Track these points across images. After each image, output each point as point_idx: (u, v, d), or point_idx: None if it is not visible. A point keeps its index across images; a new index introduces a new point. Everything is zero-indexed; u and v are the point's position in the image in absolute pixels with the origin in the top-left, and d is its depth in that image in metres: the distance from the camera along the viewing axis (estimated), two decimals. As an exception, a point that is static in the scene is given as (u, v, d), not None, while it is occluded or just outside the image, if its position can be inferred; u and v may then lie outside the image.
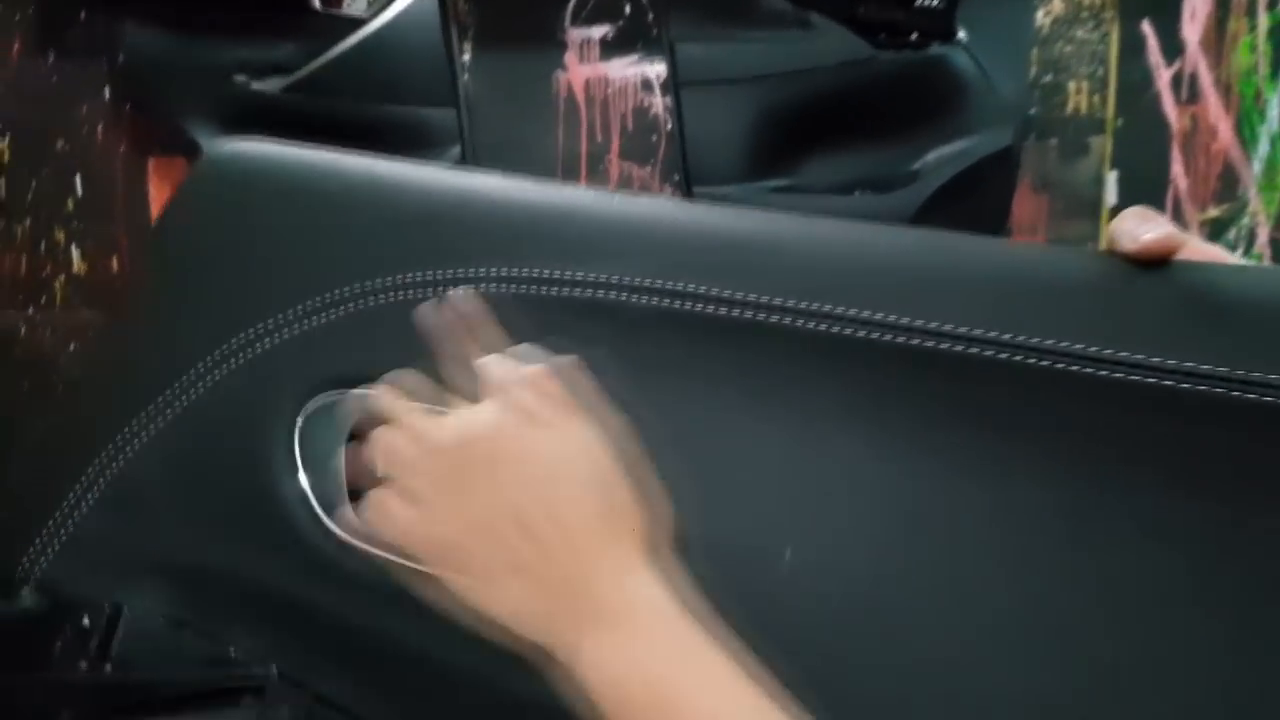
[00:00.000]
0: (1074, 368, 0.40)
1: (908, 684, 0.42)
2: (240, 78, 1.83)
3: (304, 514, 0.52)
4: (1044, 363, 0.41)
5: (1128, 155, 1.89)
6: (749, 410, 0.46)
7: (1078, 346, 0.40)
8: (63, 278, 2.00)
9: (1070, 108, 1.88)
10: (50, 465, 0.56)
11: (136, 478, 0.54)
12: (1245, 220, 1.97)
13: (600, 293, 0.48)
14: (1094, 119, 1.88)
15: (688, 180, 1.86)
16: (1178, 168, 1.92)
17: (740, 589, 0.44)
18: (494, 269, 0.49)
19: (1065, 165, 1.90)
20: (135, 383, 0.55)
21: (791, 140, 1.85)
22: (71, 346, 2.01)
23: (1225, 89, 1.90)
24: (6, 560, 0.55)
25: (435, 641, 0.49)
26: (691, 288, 0.47)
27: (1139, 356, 0.39)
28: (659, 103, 1.89)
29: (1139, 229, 0.46)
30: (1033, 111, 1.86)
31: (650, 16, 1.85)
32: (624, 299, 0.47)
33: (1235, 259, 0.50)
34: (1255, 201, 1.98)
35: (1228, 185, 1.95)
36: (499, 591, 0.45)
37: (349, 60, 1.81)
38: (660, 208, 0.51)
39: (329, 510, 0.52)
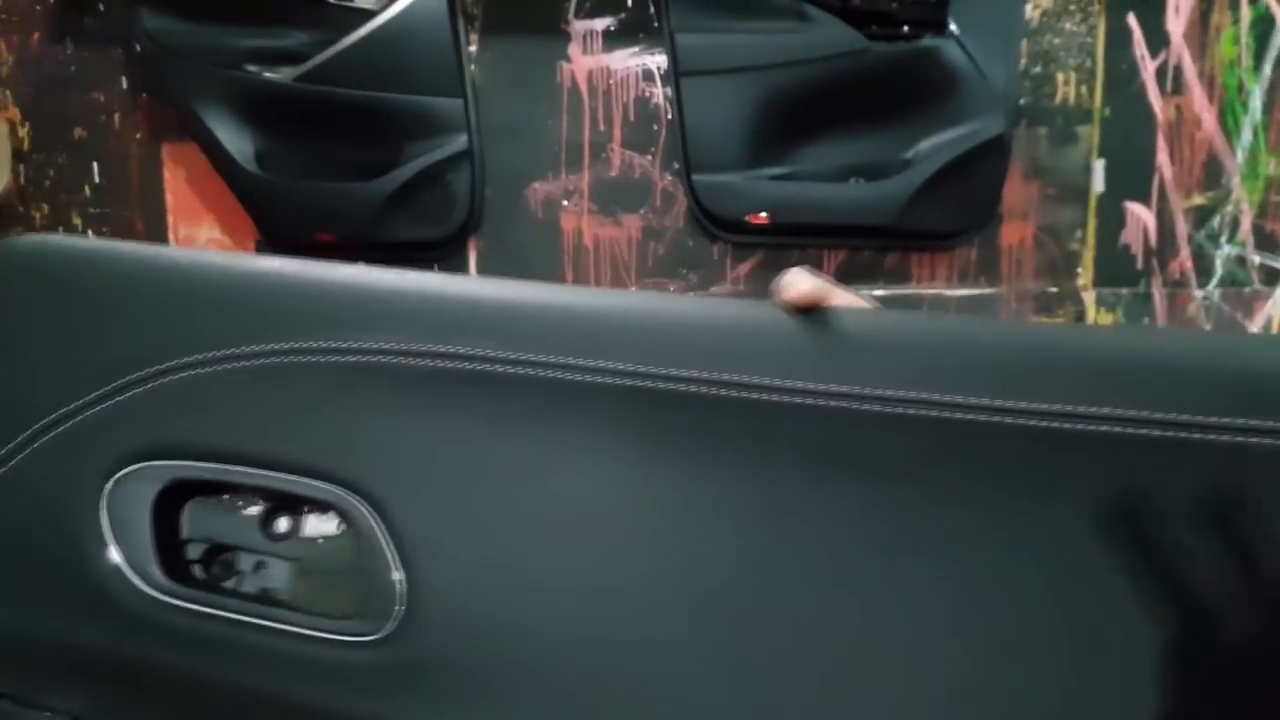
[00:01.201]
0: (755, 396, 0.49)
1: (652, 691, 0.47)
2: (252, 67, 1.85)
3: (116, 580, 0.54)
4: (736, 394, 0.49)
5: (1115, 144, 1.92)
6: (503, 448, 0.51)
7: (758, 380, 0.49)
8: (80, 262, 2.03)
9: (1059, 98, 1.91)
10: None
11: None
12: (1229, 208, 2.00)
13: (371, 358, 0.52)
14: (1082, 109, 1.91)
15: (688, 168, 1.89)
16: (1163, 156, 1.95)
17: (499, 604, 0.49)
18: (276, 344, 0.53)
19: (1055, 153, 1.93)
20: None
21: (789, 130, 1.87)
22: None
23: (1209, 80, 1.93)
24: None
25: (254, 678, 0.53)
26: (448, 348, 0.52)
27: (814, 385, 0.48)
28: (660, 93, 1.92)
29: (795, 285, 0.54)
30: (1023, 101, 1.89)
31: (651, 9, 1.87)
32: (392, 362, 0.51)
33: (875, 304, 0.56)
34: (1238, 190, 2.01)
35: (1212, 174, 1.98)
36: None
37: (359, 51, 1.81)
38: (417, 280, 0.54)
39: (141, 573, 0.54)
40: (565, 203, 1.96)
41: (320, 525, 0.58)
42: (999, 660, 0.42)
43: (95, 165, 1.97)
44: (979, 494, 0.45)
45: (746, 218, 1.89)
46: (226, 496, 0.57)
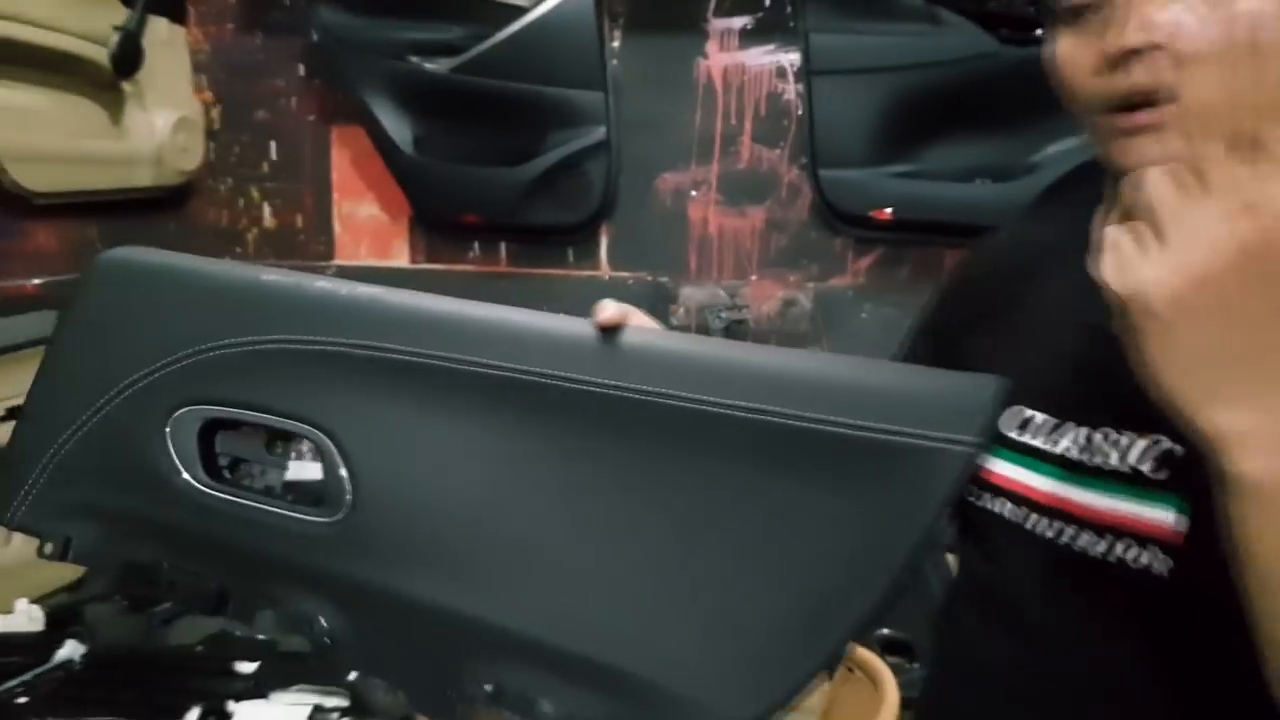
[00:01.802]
0: (563, 384, 0.72)
1: (520, 567, 0.76)
2: (414, 58, 1.99)
3: (174, 477, 0.81)
4: (551, 381, 0.72)
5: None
6: (413, 406, 0.76)
7: (574, 375, 0.72)
8: (255, 230, 2.24)
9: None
10: (20, 454, 0.87)
11: (73, 462, 0.84)
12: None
13: (330, 348, 0.77)
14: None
15: (815, 163, 1.94)
16: None
17: (406, 502, 0.77)
18: (272, 335, 0.79)
19: (1191, 161, 1.89)
20: (70, 401, 0.84)
21: (916, 129, 1.88)
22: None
23: None
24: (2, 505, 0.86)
25: (258, 541, 0.80)
26: (378, 343, 0.76)
27: (606, 380, 0.72)
28: (791, 89, 1.97)
29: (604, 310, 0.71)
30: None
31: (788, 9, 1.93)
32: (343, 350, 0.77)
33: (660, 326, 0.78)
34: None
35: None
36: (1257, 335, 0.48)
37: (510, 45, 1.92)
38: (363, 291, 0.79)
39: (191, 473, 0.81)
40: (693, 193, 2.04)
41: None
42: (664, 539, 0.71)
43: (273, 144, 2.17)
44: (662, 448, 0.71)
45: (870, 213, 1.93)
46: (243, 428, 0.84)
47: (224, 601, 0.82)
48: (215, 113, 2.16)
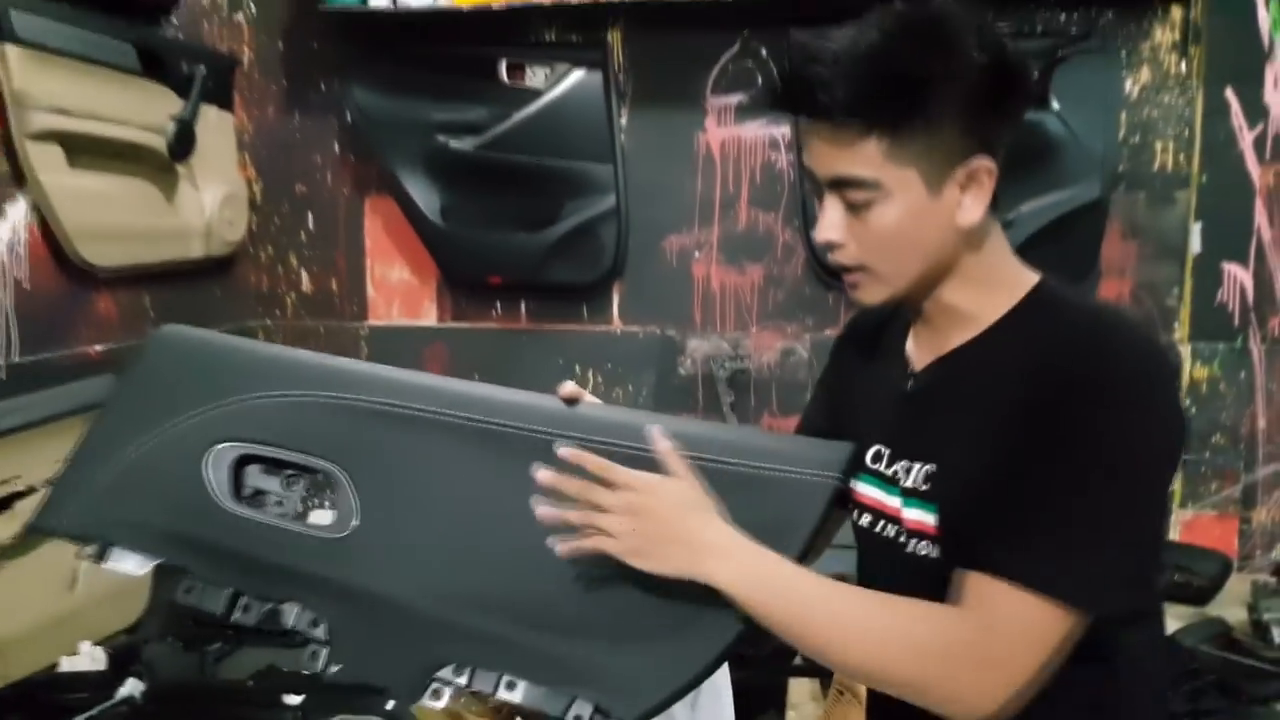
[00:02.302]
0: (533, 434, 0.95)
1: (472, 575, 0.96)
2: (441, 136, 2.17)
3: (209, 500, 0.99)
4: (514, 431, 0.96)
5: (1212, 208, 2.01)
6: (407, 447, 0.97)
7: (527, 426, 0.96)
8: (294, 294, 2.40)
9: (1157, 165, 2.02)
10: (72, 477, 1.05)
11: (121, 483, 1.01)
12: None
13: (343, 401, 0.98)
14: (1179, 175, 2.02)
15: (806, 224, 2.11)
16: (1262, 219, 2.02)
17: (402, 520, 0.97)
18: (293, 391, 0.99)
19: (1153, 215, 2.04)
20: (119, 438, 1.02)
21: (898, 192, 2.06)
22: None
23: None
24: (56, 514, 1.04)
25: (278, 554, 0.97)
26: (381, 400, 0.97)
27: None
28: (784, 158, 2.14)
29: (564, 388, 0.98)
30: (1122, 168, 2.01)
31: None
32: (354, 404, 0.98)
33: (598, 402, 1.02)
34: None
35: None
36: (690, 550, 0.89)
37: (529, 123, 2.11)
38: (380, 367, 1.02)
39: (222, 496, 0.99)
40: (696, 253, 2.21)
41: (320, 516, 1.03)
42: (523, 536, 0.91)
43: (310, 215, 2.34)
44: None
45: (858, 269, 2.08)
46: (267, 464, 1.02)
47: (233, 604, 1.00)
48: (257, 187, 2.34)
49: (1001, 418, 0.83)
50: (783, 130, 2.12)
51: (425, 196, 2.18)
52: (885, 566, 0.95)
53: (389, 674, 0.96)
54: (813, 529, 0.92)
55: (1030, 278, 0.91)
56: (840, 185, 0.86)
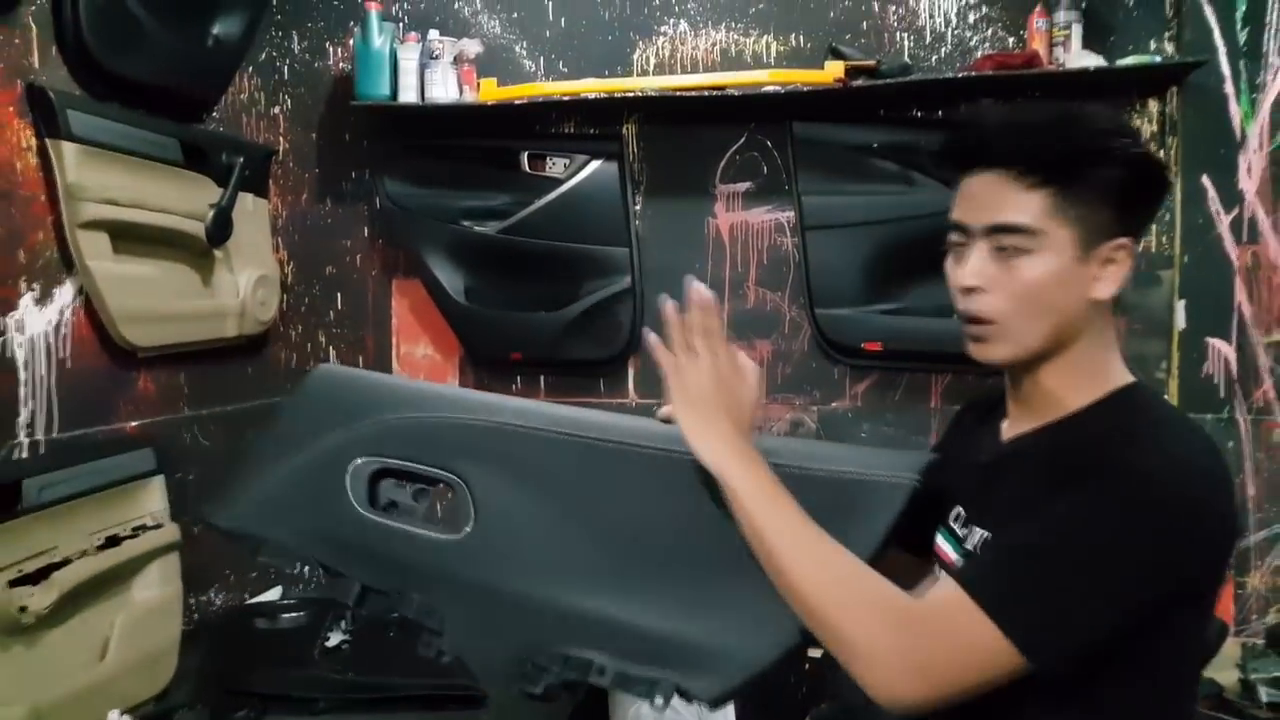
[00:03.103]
0: (639, 449, 1.04)
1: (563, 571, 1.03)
2: (466, 222, 2.26)
3: (350, 508, 1.09)
4: (629, 448, 1.04)
5: (1195, 286, 2.09)
6: (522, 465, 1.06)
7: (637, 440, 1.04)
8: (320, 371, 2.45)
9: (1142, 246, 2.11)
10: (243, 477, 1.17)
11: (280, 491, 1.13)
12: (1307, 343, 2.13)
13: (463, 421, 1.09)
14: (1163, 255, 2.10)
15: (812, 303, 2.18)
16: (1241, 296, 2.10)
17: (511, 526, 1.05)
18: (423, 414, 1.10)
19: (1140, 294, 2.12)
20: (276, 453, 1.14)
21: (898, 272, 2.11)
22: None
23: (1283, 230, 2.10)
24: (220, 513, 1.15)
25: (405, 552, 1.06)
26: (500, 419, 1.08)
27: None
28: (789, 242, 2.23)
29: (663, 411, 1.07)
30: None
31: (783, 175, 2.21)
32: (469, 422, 1.08)
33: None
34: (1315, 327, 2.14)
35: (1289, 313, 2.12)
36: (716, 425, 0.97)
37: (549, 210, 2.20)
38: (495, 396, 1.13)
39: (361, 505, 1.08)
40: (708, 330, 2.27)
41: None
42: (691, 547, 1.00)
43: (339, 295, 2.41)
44: (695, 488, 0.99)
45: (862, 345, 2.15)
46: (399, 477, 1.12)
47: (364, 599, 1.09)
48: (289, 269, 2.42)
49: (1046, 495, 0.88)
50: (787, 214, 2.21)
51: (450, 278, 2.25)
52: None
53: (492, 657, 1.05)
54: (888, 526, 0.96)
55: (1126, 377, 0.96)
56: (999, 232, 0.92)
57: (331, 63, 2.35)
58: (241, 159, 2.12)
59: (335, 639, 2.06)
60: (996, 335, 0.93)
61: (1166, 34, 2.08)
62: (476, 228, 2.24)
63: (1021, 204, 0.91)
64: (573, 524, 1.03)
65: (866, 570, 0.90)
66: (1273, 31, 2.03)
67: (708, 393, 0.98)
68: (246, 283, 2.23)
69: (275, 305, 2.34)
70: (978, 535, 0.97)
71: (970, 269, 0.93)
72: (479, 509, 1.04)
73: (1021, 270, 0.91)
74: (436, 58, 2.18)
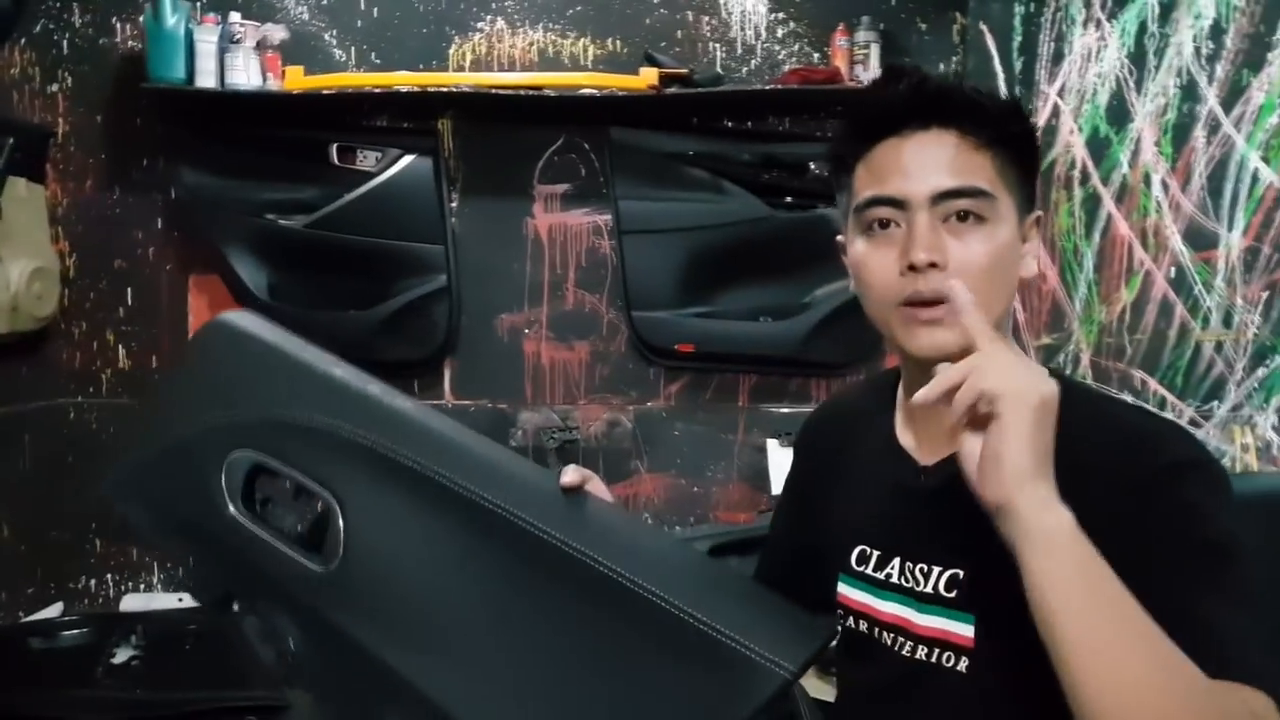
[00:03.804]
0: (518, 523, 0.87)
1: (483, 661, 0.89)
2: (270, 215, 2.13)
3: (219, 504, 0.95)
4: (510, 518, 0.87)
5: (976, 294, 2.25)
6: (406, 508, 0.91)
7: (521, 514, 0.87)
8: (109, 371, 2.26)
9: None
10: (129, 448, 1.06)
11: (156, 466, 1.01)
12: (1071, 347, 2.33)
13: (349, 437, 0.93)
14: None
15: (629, 306, 2.19)
16: (1015, 303, 2.27)
17: (384, 589, 0.91)
18: (324, 420, 0.94)
19: (928, 300, 2.25)
20: (165, 423, 1.02)
21: (710, 277, 2.16)
22: (111, 429, 2.26)
23: (1050, 244, 2.28)
24: (111, 482, 1.04)
25: (271, 566, 0.93)
26: (397, 447, 0.91)
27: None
28: (607, 245, 2.23)
29: (566, 474, 0.87)
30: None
31: (600, 179, 2.21)
32: (370, 447, 0.92)
33: (604, 488, 0.92)
34: (1078, 333, 2.34)
35: (1056, 319, 2.31)
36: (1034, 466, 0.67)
37: (359, 204, 2.10)
38: (403, 407, 0.95)
39: (232, 502, 0.95)
40: (527, 331, 2.25)
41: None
42: (552, 654, 0.86)
43: (130, 290, 2.22)
44: (575, 591, 0.85)
45: (676, 347, 2.18)
46: (275, 477, 0.97)
47: (228, 603, 1.01)
48: (72, 261, 2.21)
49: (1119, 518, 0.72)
50: (605, 218, 2.21)
51: (252, 274, 2.12)
52: (876, 670, 0.87)
53: (338, 710, 0.96)
54: (750, 711, 0.81)
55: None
56: (953, 197, 0.79)
57: (120, 40, 2.16)
58: (11, 140, 1.92)
59: (123, 656, 1.92)
60: (954, 318, 0.75)
61: (954, 59, 2.22)
62: (281, 221, 2.13)
63: (975, 165, 0.80)
64: (446, 595, 0.89)
65: (1187, 664, 0.65)
66: (1043, 62, 2.20)
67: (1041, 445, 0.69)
68: (19, 275, 2.03)
69: (55, 300, 2.14)
70: (939, 574, 0.83)
71: (924, 243, 0.78)
72: (350, 544, 0.90)
73: (979, 240, 0.79)
74: (237, 41, 2.04)
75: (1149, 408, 0.89)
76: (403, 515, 0.90)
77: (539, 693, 0.86)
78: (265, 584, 0.95)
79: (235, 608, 1.07)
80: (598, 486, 0.90)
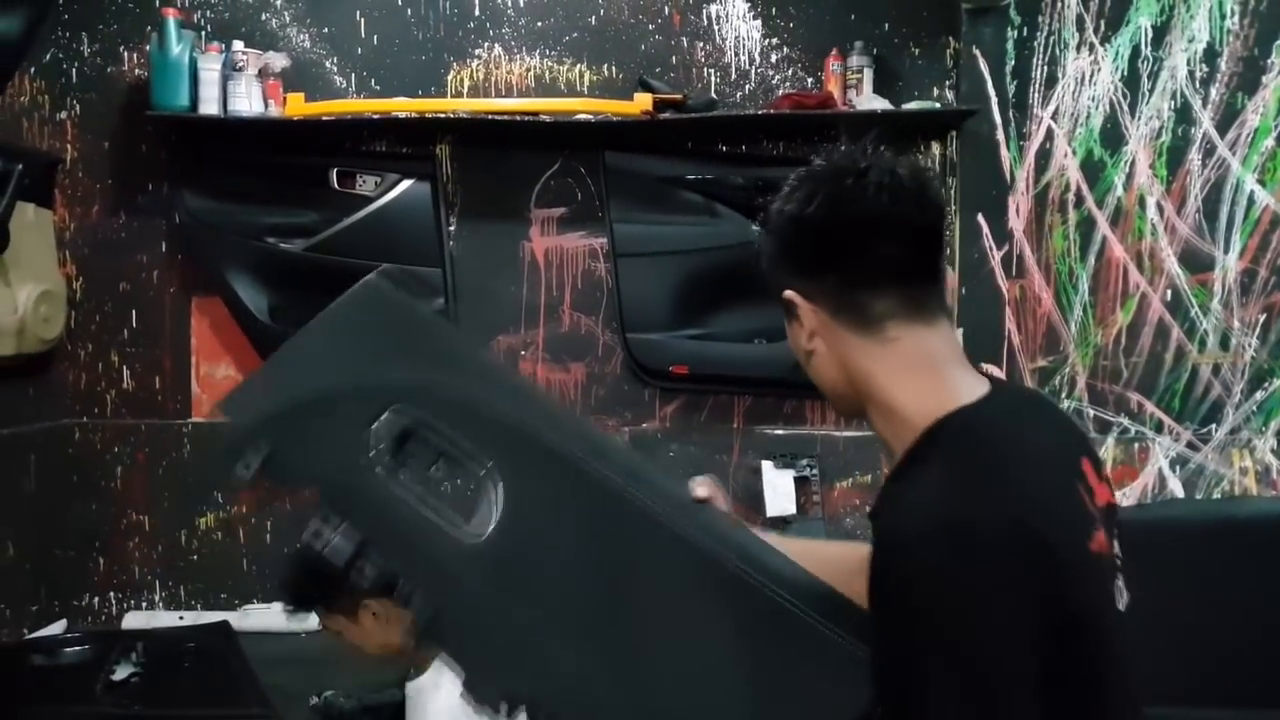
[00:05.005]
0: (659, 520, 0.92)
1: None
2: (271, 239, 2.13)
3: (367, 456, 0.94)
4: (650, 514, 0.92)
5: (971, 317, 2.22)
6: (559, 496, 0.95)
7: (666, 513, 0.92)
8: (114, 391, 2.27)
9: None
10: (272, 375, 1.03)
11: (302, 408, 0.96)
12: (1066, 370, 2.30)
13: (528, 430, 0.97)
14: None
15: (624, 328, 2.19)
16: (1011, 326, 2.25)
17: (525, 572, 0.93)
18: (484, 397, 0.98)
19: (923, 322, 2.23)
20: (318, 361, 1.00)
21: (704, 300, 2.14)
22: (115, 448, 2.27)
23: (1046, 267, 2.26)
24: (236, 405, 0.99)
25: (407, 527, 0.92)
26: (551, 435, 0.96)
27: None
28: (602, 267, 2.22)
29: (696, 487, 0.94)
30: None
31: (596, 202, 2.21)
32: (527, 432, 0.96)
33: (725, 503, 0.97)
34: (1073, 355, 2.31)
35: (1051, 342, 2.28)
36: None
37: (359, 228, 2.11)
38: (554, 406, 1.03)
39: (380, 459, 0.94)
40: (523, 352, 2.24)
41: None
42: (674, 643, 0.91)
43: (134, 313, 2.23)
44: (695, 585, 0.91)
45: (670, 369, 2.17)
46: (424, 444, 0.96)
47: (353, 563, 0.94)
48: (78, 285, 2.23)
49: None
50: (600, 241, 2.21)
51: (253, 296, 2.13)
52: None
53: (471, 681, 0.93)
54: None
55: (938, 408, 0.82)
56: None
57: (126, 68, 2.18)
58: (20, 166, 1.94)
59: (123, 673, 1.92)
60: None
61: (947, 83, 2.20)
62: (282, 245, 2.13)
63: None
64: (595, 586, 0.92)
65: None
66: (1036, 86, 2.19)
67: None
68: (26, 298, 2.05)
69: (61, 322, 2.15)
70: None
71: None
72: (503, 519, 0.91)
73: None
74: (240, 69, 2.06)
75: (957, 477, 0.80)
76: (554, 499, 0.93)
77: (667, 686, 0.90)
78: (404, 543, 0.93)
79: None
80: (721, 501, 0.96)
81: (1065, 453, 0.87)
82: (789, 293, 0.90)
